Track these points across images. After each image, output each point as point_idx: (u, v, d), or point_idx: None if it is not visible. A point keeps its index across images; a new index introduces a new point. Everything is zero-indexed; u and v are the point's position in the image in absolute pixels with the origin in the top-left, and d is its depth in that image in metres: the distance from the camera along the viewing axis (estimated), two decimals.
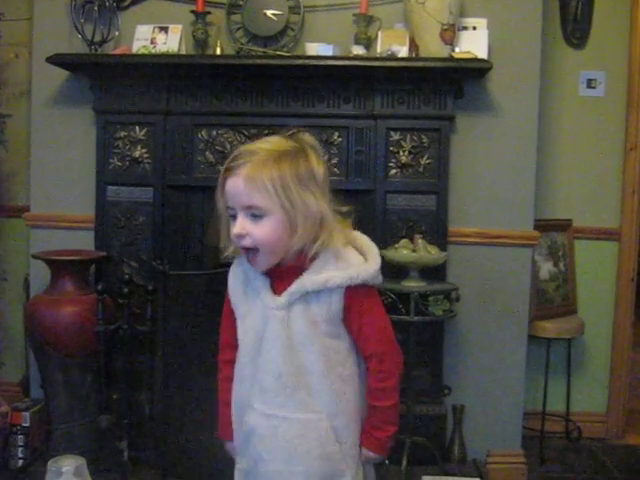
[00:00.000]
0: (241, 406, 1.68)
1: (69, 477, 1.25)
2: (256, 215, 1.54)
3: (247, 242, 1.56)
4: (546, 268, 3.62)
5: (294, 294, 1.58)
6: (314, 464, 1.61)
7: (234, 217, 1.58)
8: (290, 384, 1.59)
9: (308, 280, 1.57)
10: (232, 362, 1.72)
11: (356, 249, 1.65)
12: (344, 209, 1.65)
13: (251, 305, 1.66)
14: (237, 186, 1.54)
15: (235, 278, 1.71)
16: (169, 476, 2.89)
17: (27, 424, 3.13)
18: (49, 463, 1.24)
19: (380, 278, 1.65)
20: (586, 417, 3.77)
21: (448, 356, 3.23)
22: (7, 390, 3.54)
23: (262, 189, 1.52)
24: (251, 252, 1.58)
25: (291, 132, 1.63)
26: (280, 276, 1.61)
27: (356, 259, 1.61)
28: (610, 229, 3.75)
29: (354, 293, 1.59)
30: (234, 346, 1.71)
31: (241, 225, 1.55)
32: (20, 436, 3.12)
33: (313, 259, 1.58)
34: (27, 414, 3.13)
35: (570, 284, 3.71)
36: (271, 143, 1.60)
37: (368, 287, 1.62)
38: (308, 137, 1.64)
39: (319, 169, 1.59)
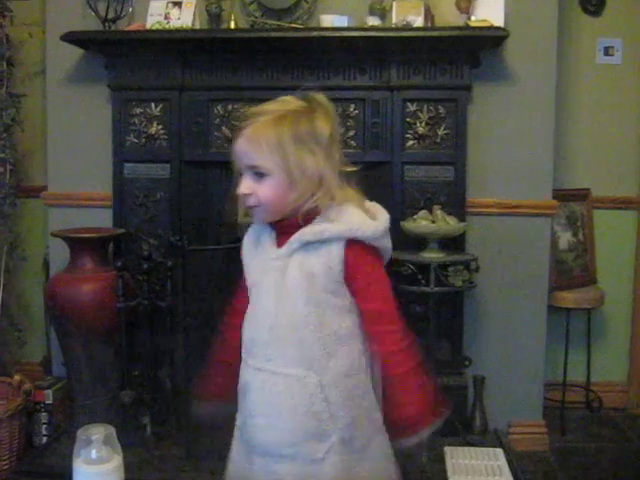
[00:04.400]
0: (242, 363, 1.69)
1: (99, 445, 1.25)
2: (258, 174, 1.59)
3: (251, 201, 1.60)
4: (565, 238, 3.60)
5: (293, 243, 1.60)
6: (299, 421, 1.60)
7: (242, 176, 1.63)
8: (281, 336, 1.60)
9: (307, 230, 1.59)
10: (236, 328, 1.72)
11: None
12: (351, 168, 1.66)
13: (256, 260, 1.69)
14: (241, 146, 1.60)
15: (249, 236, 1.75)
16: (192, 450, 2.90)
17: (50, 402, 3.17)
18: (78, 432, 1.24)
19: (384, 242, 1.63)
20: (607, 387, 3.77)
21: (468, 327, 3.23)
22: (29, 369, 3.57)
23: (259, 149, 1.56)
24: (255, 208, 1.62)
25: (306, 91, 1.66)
26: (284, 231, 1.64)
27: (359, 216, 1.60)
28: (629, 198, 3.72)
29: (356, 250, 1.58)
30: (242, 311, 1.72)
31: (245, 184, 1.60)
32: (43, 414, 3.16)
33: (315, 215, 1.60)
34: (50, 392, 3.17)
35: (589, 254, 3.69)
36: (279, 103, 1.64)
37: (371, 247, 1.61)
38: (320, 97, 1.65)
39: (323, 129, 1.60)
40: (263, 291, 1.64)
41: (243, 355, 1.69)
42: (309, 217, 1.60)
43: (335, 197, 1.60)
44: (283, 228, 1.64)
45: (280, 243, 1.64)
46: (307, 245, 1.59)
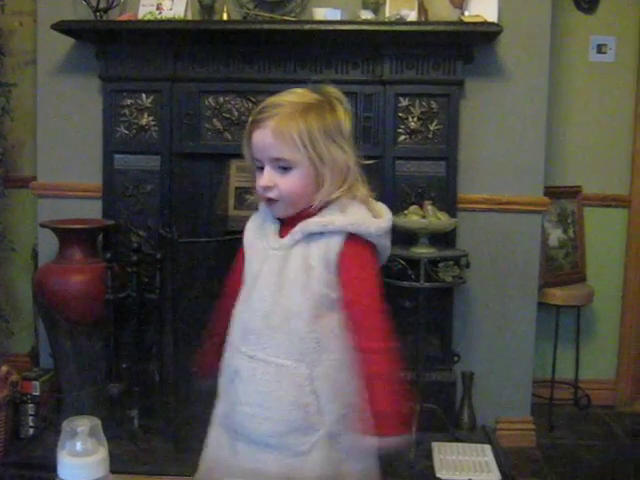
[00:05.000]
0: (231, 349, 1.66)
1: (84, 437, 1.22)
2: (283, 167, 1.56)
3: (273, 194, 1.58)
4: (555, 235, 3.61)
5: (296, 234, 1.58)
6: (286, 412, 1.57)
7: (261, 169, 1.60)
8: (275, 326, 1.58)
9: (312, 221, 1.57)
10: (225, 310, 1.71)
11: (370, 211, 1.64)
12: (369, 162, 1.66)
13: (257, 247, 1.67)
14: (265, 139, 1.55)
15: (252, 223, 1.72)
16: (180, 444, 2.90)
17: (37, 393, 3.15)
18: (64, 424, 1.22)
19: (385, 242, 1.62)
20: (595, 384, 3.78)
21: (457, 323, 3.23)
22: (17, 360, 3.55)
23: (290, 142, 1.53)
24: (272, 201, 1.60)
25: (316, 84, 1.64)
26: (290, 222, 1.62)
27: (363, 213, 1.59)
28: (620, 196, 3.73)
29: (353, 244, 1.56)
30: (233, 295, 1.71)
31: (268, 177, 1.57)
32: (30, 405, 3.14)
33: (322, 208, 1.58)
34: (37, 383, 3.15)
35: (579, 251, 3.69)
36: (297, 95, 1.60)
37: (369, 245, 1.59)
38: (333, 89, 1.63)
39: (345, 121, 1.59)
40: (261, 279, 1.62)
41: (233, 341, 1.66)
42: (319, 209, 1.59)
43: (359, 191, 1.59)
44: (289, 219, 1.62)
45: (283, 233, 1.63)
46: (310, 236, 1.57)
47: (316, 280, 1.57)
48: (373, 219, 1.58)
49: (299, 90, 1.62)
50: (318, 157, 1.54)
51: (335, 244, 1.56)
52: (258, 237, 1.68)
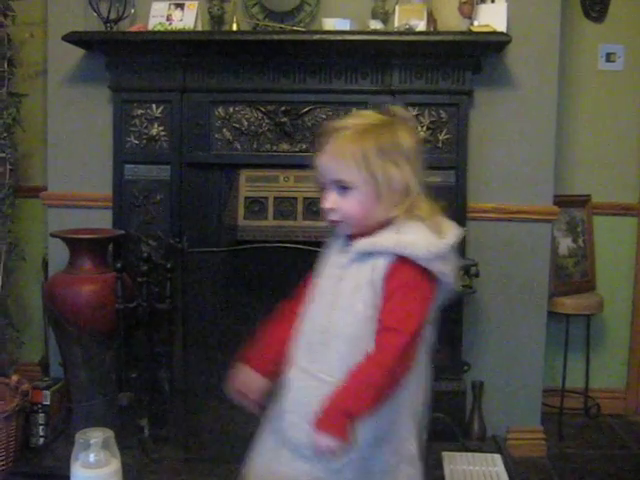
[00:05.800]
0: (290, 359, 1.70)
1: (97, 449, 1.24)
2: (343, 188, 1.60)
3: (335, 215, 1.63)
4: (565, 244, 3.60)
5: (352, 254, 1.62)
6: None
7: (325, 190, 1.65)
8: (325, 342, 1.61)
9: (363, 241, 1.60)
10: (294, 313, 1.76)
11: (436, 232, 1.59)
12: (434, 179, 1.69)
13: (326, 263, 1.72)
14: (324, 162, 1.63)
15: (330, 240, 1.77)
16: (190, 453, 2.90)
17: (47, 403, 3.14)
18: (77, 435, 1.24)
19: (439, 267, 1.55)
20: (605, 393, 3.77)
21: (467, 332, 3.22)
22: (27, 369, 3.55)
23: (345, 165, 1.58)
24: (338, 223, 1.65)
25: (386, 105, 1.70)
26: (355, 240, 1.65)
27: (417, 234, 1.56)
28: (629, 204, 3.72)
29: (401, 265, 1.54)
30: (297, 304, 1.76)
31: (329, 199, 1.63)
32: (41, 415, 3.13)
33: (385, 227, 1.60)
34: (47, 393, 3.14)
35: (589, 260, 3.69)
36: (360, 117, 1.68)
37: (421, 268, 1.54)
38: (399, 109, 1.69)
39: (406, 140, 1.62)
40: (320, 296, 1.67)
41: (291, 352, 1.70)
42: (380, 228, 1.61)
43: (421, 209, 1.60)
44: (355, 237, 1.65)
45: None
46: (364, 256, 1.60)
47: (362, 301, 1.58)
48: (424, 242, 1.54)
49: (365, 112, 1.75)
50: (373, 177, 1.57)
51: (381, 266, 1.57)
52: (333, 252, 1.72)
